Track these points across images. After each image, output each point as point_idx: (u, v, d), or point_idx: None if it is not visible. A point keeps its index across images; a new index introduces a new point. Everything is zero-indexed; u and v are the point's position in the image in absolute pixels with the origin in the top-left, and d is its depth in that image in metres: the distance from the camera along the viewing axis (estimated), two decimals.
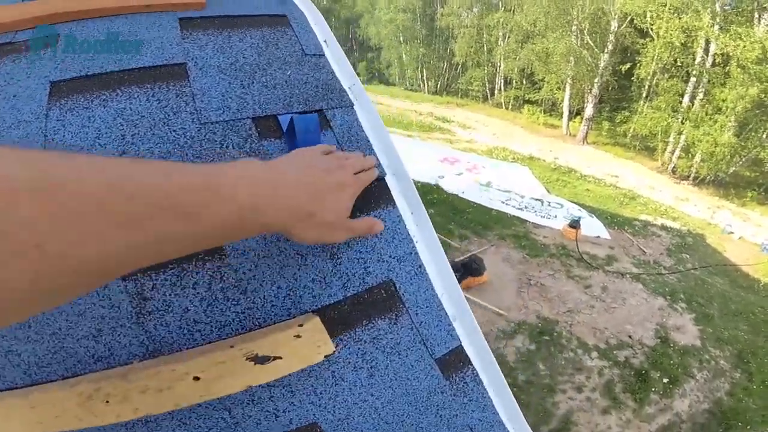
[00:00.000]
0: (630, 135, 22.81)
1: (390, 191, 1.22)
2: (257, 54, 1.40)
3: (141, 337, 0.92)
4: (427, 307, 1.14)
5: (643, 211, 14.82)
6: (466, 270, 8.25)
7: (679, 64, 19.87)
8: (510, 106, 31.04)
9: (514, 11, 28.96)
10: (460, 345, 1.14)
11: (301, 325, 0.91)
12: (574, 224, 10.91)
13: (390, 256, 1.14)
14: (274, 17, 1.55)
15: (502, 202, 12.84)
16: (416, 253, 1.18)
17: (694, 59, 19.62)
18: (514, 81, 31.28)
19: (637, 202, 15.86)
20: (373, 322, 1.06)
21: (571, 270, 9.52)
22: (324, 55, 1.48)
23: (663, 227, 13.33)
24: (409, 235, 1.19)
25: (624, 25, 21.55)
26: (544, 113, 28.16)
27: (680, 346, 7.64)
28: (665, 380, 6.85)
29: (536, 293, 8.53)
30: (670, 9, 19.00)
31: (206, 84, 1.27)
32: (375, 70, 44.77)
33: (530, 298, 8.33)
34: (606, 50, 22.46)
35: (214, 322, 0.94)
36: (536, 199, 13.53)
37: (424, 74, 38.46)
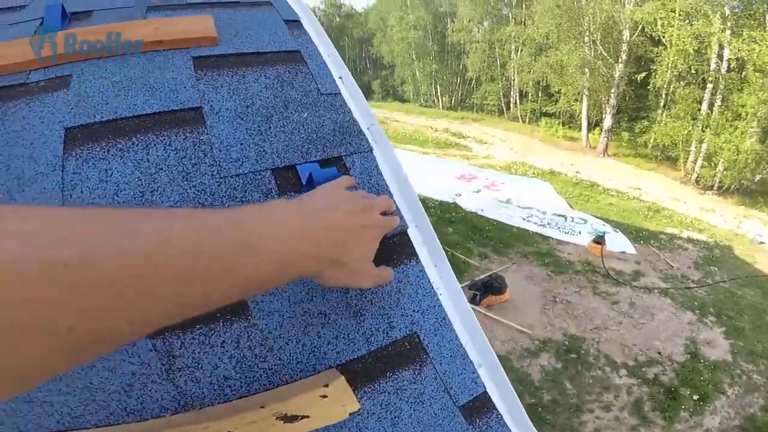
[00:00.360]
0: (651, 145, 22.50)
1: (413, 244, 1.23)
2: (273, 95, 1.39)
3: (172, 392, 0.94)
4: (451, 356, 1.14)
5: (668, 224, 14.56)
6: (487, 289, 8.23)
7: (694, 71, 19.63)
8: (527, 120, 30.94)
9: (525, 24, 29.07)
10: (485, 391, 1.14)
11: (326, 386, 0.93)
12: (599, 240, 10.84)
13: (414, 310, 1.14)
14: (288, 53, 1.54)
15: (523, 219, 12.74)
16: (440, 306, 1.18)
17: (709, 65, 19.40)
18: (529, 94, 31.17)
19: (661, 215, 15.58)
20: (397, 373, 1.07)
21: (597, 286, 9.45)
22: (340, 93, 1.47)
23: (689, 240, 13.12)
24: (432, 288, 1.19)
25: (636, 34, 21.45)
26: (563, 125, 27.99)
27: (711, 362, 7.47)
28: (695, 397, 6.69)
29: (562, 310, 8.44)
30: (679, 15, 18.87)
31: (223, 131, 1.26)
32: (389, 88, 45.28)
33: (555, 316, 8.26)
34: (620, 60, 22.34)
35: (243, 379, 0.97)
36: (559, 215, 13.41)
37: (438, 90, 38.78)
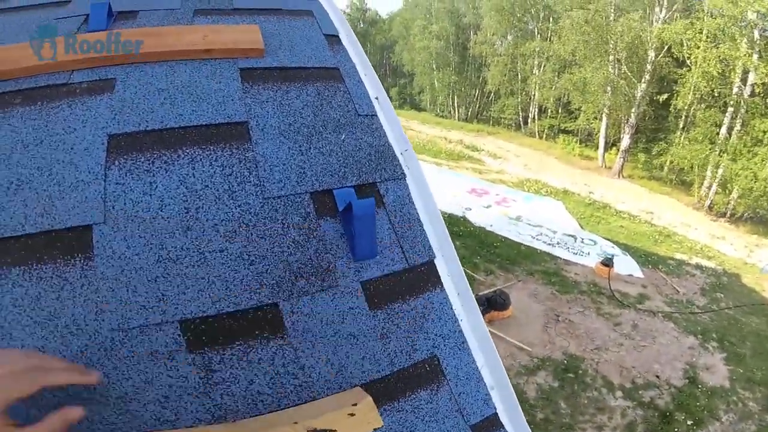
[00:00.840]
0: (666, 168, 22.35)
1: (438, 273, 1.30)
2: (313, 114, 1.40)
3: (207, 405, 0.99)
4: (466, 378, 1.21)
5: (678, 250, 14.48)
6: (490, 304, 8.34)
7: (716, 94, 19.44)
8: (544, 136, 30.76)
9: (551, 39, 28.94)
10: (495, 412, 1.22)
11: (355, 404, 0.97)
12: (607, 262, 10.90)
13: (436, 334, 1.21)
14: (327, 70, 1.57)
15: (533, 237, 12.74)
16: (460, 331, 1.25)
17: (731, 89, 19.23)
18: (549, 110, 30.99)
19: (672, 240, 15.49)
20: (415, 393, 1.14)
21: (601, 307, 9.50)
22: (376, 115, 1.51)
23: (698, 266, 13.08)
24: (454, 314, 1.26)
25: (661, 55, 21.34)
26: (580, 143, 27.82)
27: (708, 387, 7.52)
28: (689, 422, 6.76)
29: (563, 329, 8.54)
30: (707, 38, 18.75)
31: (268, 149, 1.28)
32: (407, 96, 45.24)
33: (557, 334, 8.34)
34: (643, 80, 22.26)
35: (275, 394, 1.02)
36: (569, 235, 13.40)
37: (455, 101, 38.75)
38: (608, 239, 13.78)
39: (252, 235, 1.16)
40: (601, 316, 9.19)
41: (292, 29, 1.72)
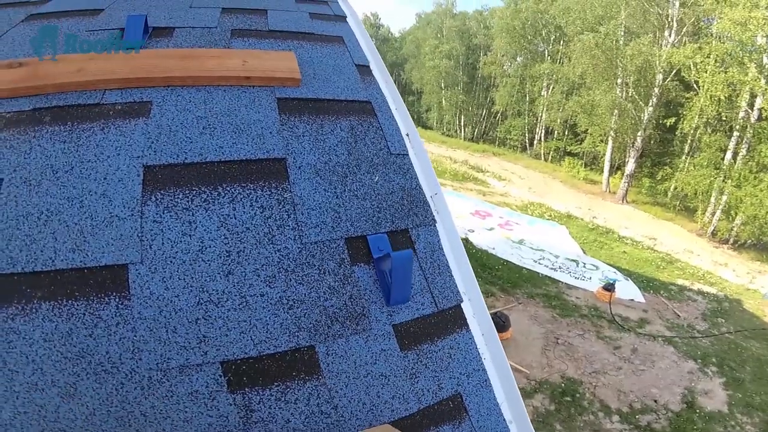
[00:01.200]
0: (670, 194, 22.22)
1: (465, 316, 1.34)
2: (347, 152, 1.41)
3: None
4: (488, 414, 1.23)
5: (679, 276, 14.38)
6: None
7: (723, 118, 19.39)
8: (550, 158, 30.60)
9: (561, 62, 28.93)
10: None
11: None
12: (609, 287, 10.87)
13: (460, 373, 1.24)
14: (360, 104, 1.57)
15: (535, 261, 12.66)
16: (483, 369, 1.28)
17: (738, 113, 19.09)
18: (555, 132, 30.97)
19: (674, 267, 15.38)
20: (439, 428, 1.16)
21: (601, 331, 9.46)
22: (408, 154, 1.52)
23: (699, 292, 13.00)
24: (478, 353, 1.30)
25: (669, 78, 21.27)
26: (585, 167, 27.70)
27: (706, 412, 7.46)
28: None
29: (562, 352, 8.52)
30: (715, 62, 18.68)
31: (305, 190, 1.28)
32: (414, 113, 44.79)
33: (555, 357, 8.32)
34: (650, 103, 22.15)
35: (310, 431, 1.04)
36: (571, 260, 13.30)
37: (462, 120, 38.63)
38: (611, 265, 13.69)
39: (291, 280, 1.17)
40: (601, 339, 9.16)
41: (324, 57, 1.74)
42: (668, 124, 21.43)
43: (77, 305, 1.03)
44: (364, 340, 1.19)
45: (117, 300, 1.05)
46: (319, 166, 1.34)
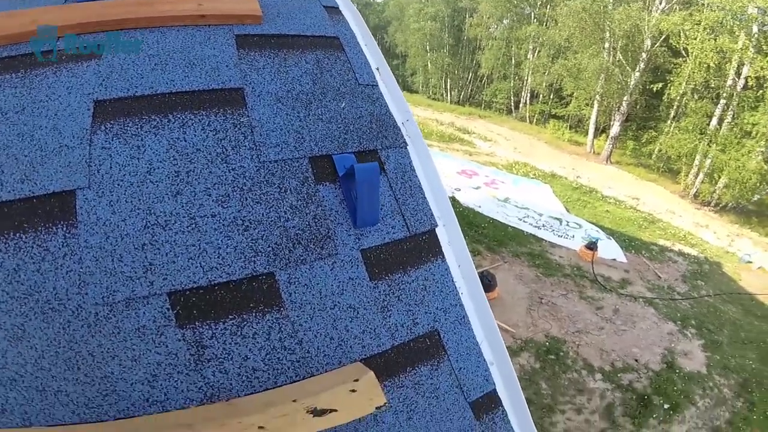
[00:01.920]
0: (654, 156, 22.47)
1: (440, 243, 1.27)
2: (312, 82, 1.35)
3: (199, 383, 0.94)
4: (467, 353, 1.19)
5: (661, 236, 14.64)
6: None
7: (712, 85, 19.52)
8: (535, 121, 30.62)
9: (547, 25, 28.65)
10: (494, 388, 1.21)
11: (356, 380, 0.94)
12: (591, 246, 11.02)
13: (437, 308, 1.19)
14: (327, 39, 1.51)
15: (519, 219, 12.76)
16: (461, 305, 1.23)
17: (726, 81, 19.24)
18: (541, 95, 30.86)
19: (656, 227, 15.64)
20: (416, 369, 1.12)
21: (584, 291, 9.61)
22: (377, 85, 1.47)
23: (680, 253, 13.25)
24: (455, 287, 1.24)
25: (658, 44, 21.20)
26: (570, 129, 27.74)
27: (685, 372, 7.68)
28: (666, 406, 6.91)
29: (546, 312, 8.63)
30: (705, 29, 18.68)
31: (264, 114, 1.22)
32: (399, 77, 44.30)
33: (540, 317, 8.42)
34: (638, 68, 22.14)
35: (272, 370, 0.98)
36: (555, 218, 13.45)
37: (448, 84, 38.19)
38: (593, 223, 13.90)
39: (247, 199, 1.10)
40: (584, 299, 9.29)
41: (290, 0, 1.63)
42: (655, 89, 21.55)
43: (25, 238, 0.98)
44: (329, 266, 1.11)
45: (64, 229, 1.01)
46: (281, 94, 1.28)
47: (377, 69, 1.52)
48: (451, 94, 38.34)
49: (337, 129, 1.28)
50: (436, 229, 1.28)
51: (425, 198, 1.31)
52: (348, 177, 1.17)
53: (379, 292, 1.13)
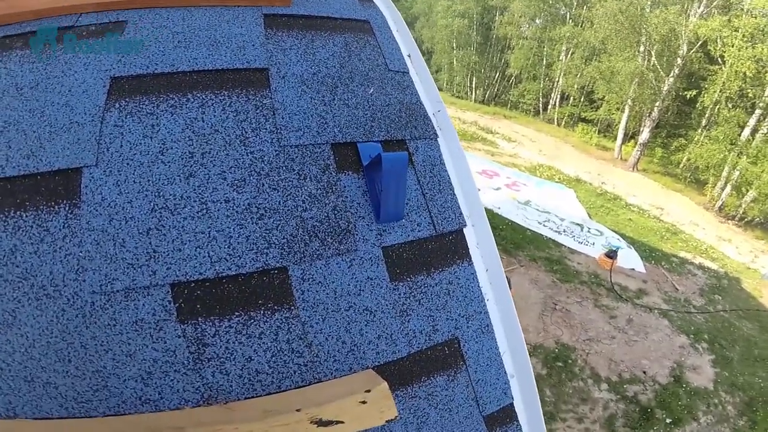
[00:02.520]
0: (682, 165, 21.92)
1: (467, 244, 1.19)
2: (339, 65, 1.29)
3: (196, 383, 0.89)
4: (487, 365, 1.12)
5: (682, 248, 14.33)
6: None
7: (749, 95, 18.81)
8: (563, 123, 30.04)
9: (583, 26, 27.98)
10: (512, 403, 1.14)
11: (368, 391, 0.87)
12: (611, 254, 10.88)
13: (459, 314, 1.11)
14: (357, 22, 1.44)
15: (539, 223, 12.61)
16: (485, 312, 1.15)
17: (764, 91, 18.56)
18: (571, 98, 30.21)
19: (678, 238, 15.31)
20: (431, 378, 1.05)
21: (599, 299, 9.52)
22: (408, 72, 1.39)
23: (700, 266, 12.97)
24: (481, 293, 1.16)
25: (694, 50, 20.59)
26: (598, 134, 27.18)
27: (692, 387, 7.59)
28: (668, 420, 6.83)
29: (559, 318, 8.57)
30: (743, 37, 18.08)
31: (288, 97, 1.17)
32: None
33: (552, 323, 8.38)
34: (672, 74, 21.55)
35: (276, 374, 0.92)
36: (576, 224, 13.25)
37: (474, 82, 37.42)
38: (615, 231, 13.66)
39: (263, 185, 1.03)
40: (598, 307, 9.20)
41: None
42: (689, 96, 20.91)
43: (26, 216, 0.93)
44: (347, 263, 1.02)
45: (67, 209, 0.95)
46: (306, 77, 1.21)
47: (408, 56, 1.44)
48: (476, 92, 37.57)
49: (363, 116, 1.21)
50: (464, 229, 1.20)
51: (454, 195, 1.22)
52: (373, 167, 1.09)
53: (399, 294, 1.05)
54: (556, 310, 8.78)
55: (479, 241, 1.20)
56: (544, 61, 31.76)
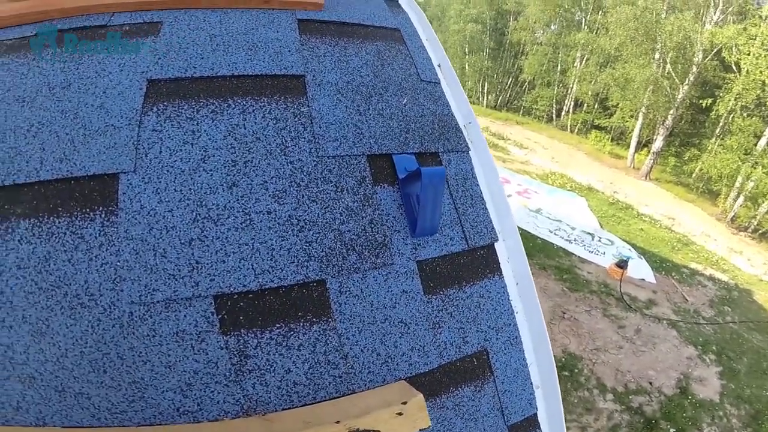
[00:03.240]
0: (694, 176, 21.71)
1: (498, 259, 1.21)
2: (373, 74, 1.30)
3: (237, 395, 0.89)
4: (514, 376, 1.13)
5: (693, 259, 14.22)
6: None
7: (764, 103, 18.56)
8: (576, 130, 29.78)
9: (598, 32, 27.72)
10: (536, 413, 1.15)
11: (404, 403, 0.88)
12: (622, 264, 10.82)
13: (489, 327, 1.13)
14: (389, 30, 1.45)
15: (550, 232, 12.55)
16: (515, 324, 1.17)
17: None
18: (585, 104, 29.94)
19: (689, 249, 15.18)
20: (459, 389, 1.06)
21: (608, 309, 9.49)
22: (439, 83, 1.40)
23: (711, 278, 12.86)
24: (510, 306, 1.17)
25: (709, 58, 20.34)
26: (612, 141, 26.98)
27: (698, 399, 7.55)
28: (672, 431, 6.80)
29: (567, 327, 8.55)
30: (761, 44, 17.83)
31: (324, 105, 1.17)
32: None
33: (560, 331, 8.36)
34: (686, 81, 21.28)
35: (312, 385, 0.93)
36: (587, 233, 13.17)
37: (485, 87, 37.11)
38: (626, 241, 13.56)
39: (303, 196, 1.03)
40: (607, 317, 9.17)
41: None
42: (704, 104, 20.65)
43: (59, 222, 0.91)
44: (383, 277, 1.04)
45: (103, 215, 0.93)
46: (341, 85, 1.22)
47: (438, 66, 1.45)
48: (487, 98, 37.29)
49: (398, 127, 1.21)
50: (496, 244, 1.21)
51: (486, 209, 1.23)
52: (409, 180, 1.10)
53: (432, 307, 1.07)
54: (565, 319, 8.75)
55: (510, 255, 1.23)
56: (559, 68, 31.49)
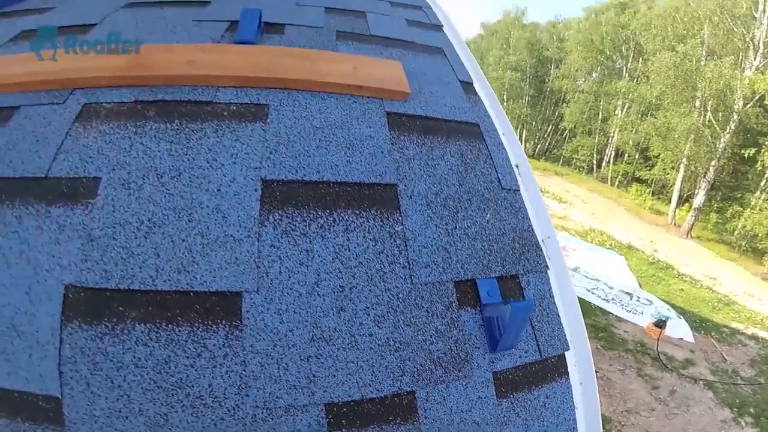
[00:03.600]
0: (737, 233, 20.98)
1: (566, 364, 1.28)
2: (458, 183, 1.32)
3: None
4: None
5: (734, 318, 13.70)
6: None
7: None
8: (617, 183, 29.19)
9: (639, 81, 27.47)
10: None
11: None
12: (660, 324, 10.59)
13: (550, 422, 1.20)
14: (468, 125, 1.48)
15: (588, 291, 12.33)
16: (574, 420, 1.23)
17: None
18: (626, 154, 29.33)
19: (730, 309, 14.66)
20: None
21: (643, 368, 9.28)
22: (519, 190, 1.44)
23: (752, 336, 12.35)
24: (573, 404, 1.24)
25: (750, 105, 19.78)
26: (652, 195, 26.42)
27: None
28: None
29: (599, 387, 8.25)
30: None
31: (416, 224, 1.20)
32: None
33: None
34: (728, 130, 20.69)
35: None
36: (626, 293, 12.88)
37: (524, 135, 36.27)
38: (665, 301, 13.17)
39: (399, 321, 1.10)
40: (641, 377, 8.98)
41: (427, 69, 1.65)
42: (747, 155, 20.15)
43: (179, 331, 0.97)
44: (463, 386, 1.15)
45: (227, 329, 0.99)
46: (430, 197, 1.27)
47: (516, 166, 1.50)
48: (525, 145, 35.98)
49: (481, 248, 1.26)
50: (567, 353, 1.29)
51: (560, 324, 1.30)
52: (491, 305, 1.19)
53: (502, 409, 1.16)
54: (597, 378, 8.50)
55: (577, 360, 1.30)
56: (600, 116, 30.88)
